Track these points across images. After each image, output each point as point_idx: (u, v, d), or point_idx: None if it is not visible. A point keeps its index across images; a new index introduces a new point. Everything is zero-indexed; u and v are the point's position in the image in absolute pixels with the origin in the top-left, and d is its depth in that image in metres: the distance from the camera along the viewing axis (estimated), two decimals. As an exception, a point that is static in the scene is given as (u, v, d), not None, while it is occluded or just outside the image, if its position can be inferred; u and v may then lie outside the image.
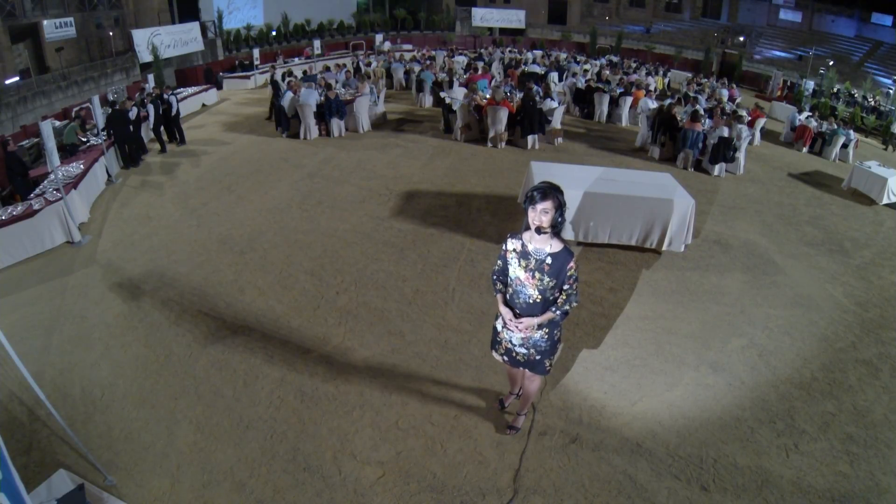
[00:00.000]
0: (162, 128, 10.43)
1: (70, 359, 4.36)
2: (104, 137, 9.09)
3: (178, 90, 12.05)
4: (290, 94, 10.74)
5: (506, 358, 3.26)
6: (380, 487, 3.24)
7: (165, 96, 10.56)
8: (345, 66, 15.61)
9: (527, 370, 3.26)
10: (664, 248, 6.35)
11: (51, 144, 6.41)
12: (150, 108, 10.01)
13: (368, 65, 17.38)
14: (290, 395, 3.96)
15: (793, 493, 3.34)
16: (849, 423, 3.96)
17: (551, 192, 2.70)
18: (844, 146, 12.13)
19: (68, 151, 9.32)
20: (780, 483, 3.41)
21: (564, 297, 2.90)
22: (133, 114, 9.39)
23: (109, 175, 8.66)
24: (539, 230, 2.77)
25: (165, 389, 4.02)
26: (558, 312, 2.93)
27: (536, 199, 2.70)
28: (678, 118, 10.24)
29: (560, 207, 2.74)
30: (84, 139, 9.42)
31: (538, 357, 3.12)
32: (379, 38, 22.68)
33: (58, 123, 10.24)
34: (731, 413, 3.97)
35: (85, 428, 3.65)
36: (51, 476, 3.15)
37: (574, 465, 3.44)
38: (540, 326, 3.01)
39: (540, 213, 2.72)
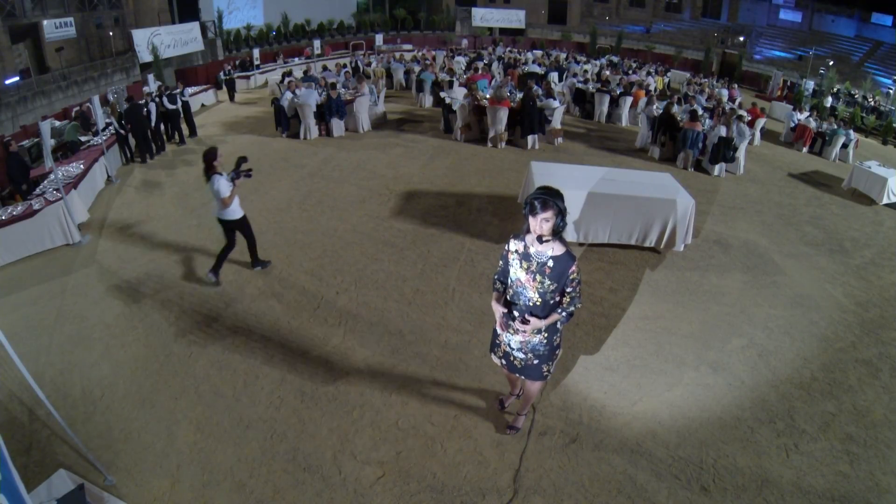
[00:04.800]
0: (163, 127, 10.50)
1: (70, 359, 4.36)
2: (113, 131, 9.16)
3: (175, 89, 12.08)
4: (289, 94, 10.75)
5: (503, 362, 3.25)
6: (380, 487, 3.25)
7: (173, 93, 10.63)
8: (344, 66, 15.62)
9: (523, 377, 3.24)
10: (663, 247, 6.35)
11: (47, 145, 6.43)
12: (152, 106, 10.03)
13: (368, 65, 17.38)
14: (290, 395, 3.96)
15: (793, 493, 3.34)
16: (849, 423, 3.96)
17: (551, 200, 2.68)
18: (844, 146, 12.14)
19: (69, 150, 9.33)
20: (780, 483, 3.41)
21: (568, 300, 2.89)
22: (153, 108, 9.59)
23: (109, 175, 8.66)
24: (541, 239, 2.77)
25: (165, 389, 4.02)
26: (563, 314, 2.92)
27: (537, 208, 2.69)
28: (678, 118, 10.24)
29: (560, 213, 2.72)
30: (85, 137, 9.45)
31: (536, 361, 3.11)
32: (379, 38, 22.72)
33: (58, 123, 10.27)
34: (731, 413, 3.97)
35: (85, 428, 3.65)
36: (51, 476, 3.16)
37: (574, 465, 3.44)
38: (539, 330, 3.00)
39: (541, 222, 2.71)
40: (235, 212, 5.31)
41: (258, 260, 5.71)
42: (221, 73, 16.98)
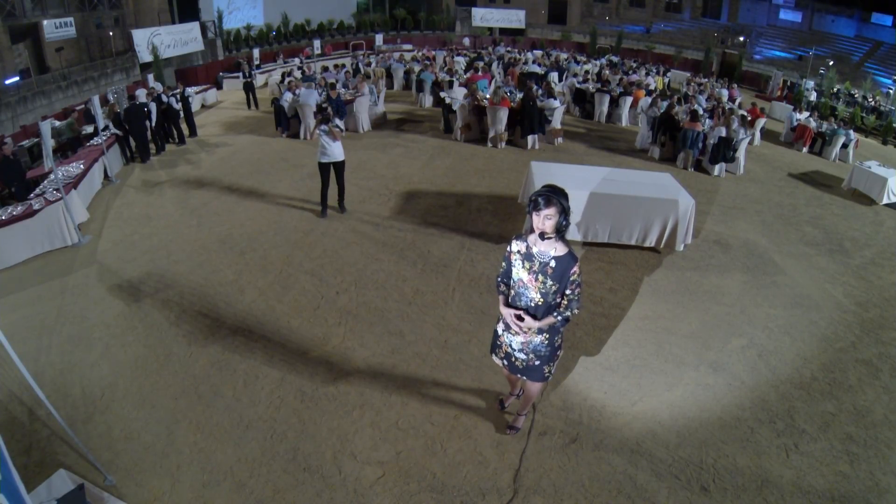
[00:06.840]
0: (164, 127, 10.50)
1: (70, 359, 4.36)
2: (114, 132, 9.17)
3: (176, 89, 12.07)
4: (289, 94, 10.75)
5: (505, 363, 3.25)
6: (380, 487, 3.25)
7: (168, 96, 10.61)
8: (344, 66, 15.61)
9: (525, 377, 3.24)
10: (663, 247, 6.35)
11: (48, 145, 6.41)
12: (153, 106, 10.02)
13: (368, 65, 17.36)
14: (290, 395, 3.96)
15: (793, 493, 3.35)
16: (849, 423, 3.96)
17: (554, 197, 2.68)
18: (844, 146, 12.14)
19: (69, 147, 9.33)
20: (780, 483, 3.41)
21: (566, 303, 2.87)
22: (153, 108, 9.60)
23: (109, 175, 8.65)
24: (542, 235, 2.76)
25: (165, 389, 4.02)
26: (560, 318, 2.91)
27: (540, 205, 2.68)
28: (678, 118, 10.24)
29: (564, 212, 2.72)
30: (81, 131, 9.49)
31: (537, 362, 3.11)
32: (379, 38, 22.71)
33: (57, 123, 10.25)
34: (731, 413, 3.97)
35: (85, 428, 3.65)
36: (51, 476, 3.16)
37: (574, 465, 3.44)
38: (540, 331, 3.00)
39: (543, 219, 2.70)
40: (318, 156, 6.67)
41: (339, 204, 7.14)
42: (240, 75, 14.83)
